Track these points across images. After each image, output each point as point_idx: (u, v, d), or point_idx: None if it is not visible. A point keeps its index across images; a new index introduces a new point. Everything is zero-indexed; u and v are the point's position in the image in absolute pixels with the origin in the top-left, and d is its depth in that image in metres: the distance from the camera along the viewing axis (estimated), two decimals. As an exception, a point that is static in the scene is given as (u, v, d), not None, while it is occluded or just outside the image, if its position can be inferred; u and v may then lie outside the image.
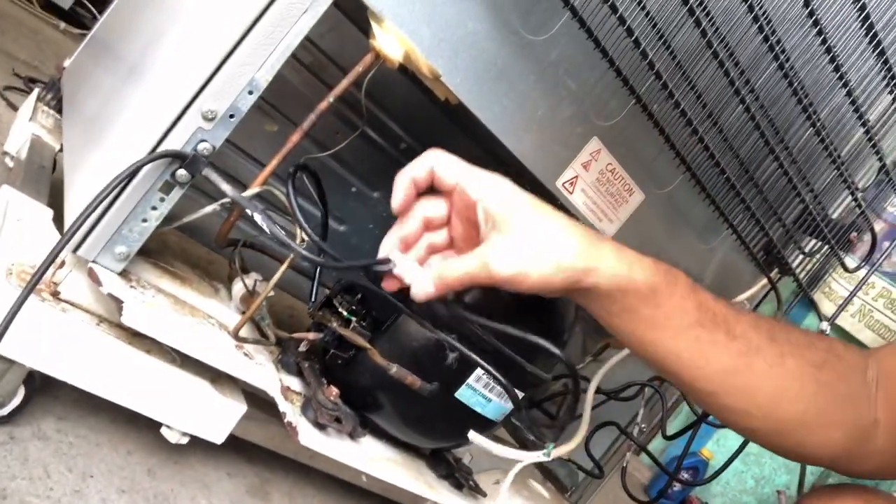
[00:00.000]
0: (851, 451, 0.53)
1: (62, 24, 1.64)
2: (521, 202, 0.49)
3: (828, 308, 1.91)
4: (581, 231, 0.49)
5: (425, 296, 0.49)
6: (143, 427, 0.64)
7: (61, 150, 0.81)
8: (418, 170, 0.50)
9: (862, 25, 0.77)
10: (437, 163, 0.50)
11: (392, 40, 0.57)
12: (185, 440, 0.60)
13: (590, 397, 0.81)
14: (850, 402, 0.52)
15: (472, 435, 0.66)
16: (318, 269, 0.71)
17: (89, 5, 1.67)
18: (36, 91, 0.89)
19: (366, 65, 0.58)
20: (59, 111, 0.89)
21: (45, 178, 0.72)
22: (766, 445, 0.55)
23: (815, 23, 0.74)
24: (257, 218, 0.50)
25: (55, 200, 0.69)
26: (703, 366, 0.50)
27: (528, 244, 0.47)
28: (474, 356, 0.63)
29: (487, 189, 0.49)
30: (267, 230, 0.49)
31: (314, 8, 0.53)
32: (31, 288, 0.43)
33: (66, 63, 0.92)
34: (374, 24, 0.57)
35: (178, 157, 0.52)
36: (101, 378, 0.54)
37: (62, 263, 0.54)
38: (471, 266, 0.48)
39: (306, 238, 0.62)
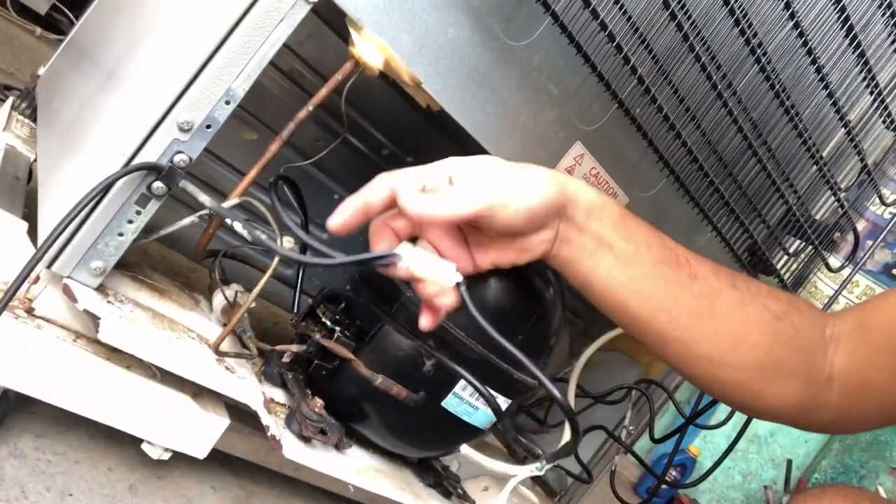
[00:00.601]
0: (805, 405, 0.55)
1: (38, 30, 1.61)
2: (494, 161, 0.51)
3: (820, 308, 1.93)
4: (552, 170, 0.52)
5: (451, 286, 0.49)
6: (124, 443, 0.63)
7: (36, 160, 0.80)
8: (373, 192, 0.50)
9: (842, 27, 0.77)
10: (394, 180, 0.49)
11: (372, 48, 0.56)
12: (167, 456, 0.59)
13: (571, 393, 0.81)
14: (807, 354, 0.54)
15: (465, 449, 0.66)
16: (300, 278, 0.71)
17: (66, 10, 1.65)
18: (10, 100, 0.87)
19: (345, 72, 0.57)
20: (34, 120, 0.88)
21: (19, 189, 0.71)
22: (727, 397, 0.58)
23: (796, 25, 0.74)
24: (237, 227, 0.49)
25: (30, 211, 0.67)
26: (670, 308, 0.52)
27: (504, 177, 0.49)
28: (455, 366, 0.62)
29: (455, 167, 0.50)
30: (248, 237, 0.48)
31: (291, 16, 0.52)
32: (2, 308, 0.42)
33: (41, 71, 0.90)
34: (353, 32, 0.56)
35: (153, 170, 0.51)
36: (80, 395, 0.53)
37: (36, 279, 0.52)
38: (452, 203, 0.47)
39: (291, 243, 0.61)
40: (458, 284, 0.50)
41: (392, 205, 0.49)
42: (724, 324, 0.52)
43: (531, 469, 0.68)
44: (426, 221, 0.49)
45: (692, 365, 0.55)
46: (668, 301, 0.52)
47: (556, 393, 0.50)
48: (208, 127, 0.52)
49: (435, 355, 0.63)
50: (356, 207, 0.49)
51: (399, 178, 0.49)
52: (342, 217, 0.49)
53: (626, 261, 0.52)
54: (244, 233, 0.49)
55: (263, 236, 0.49)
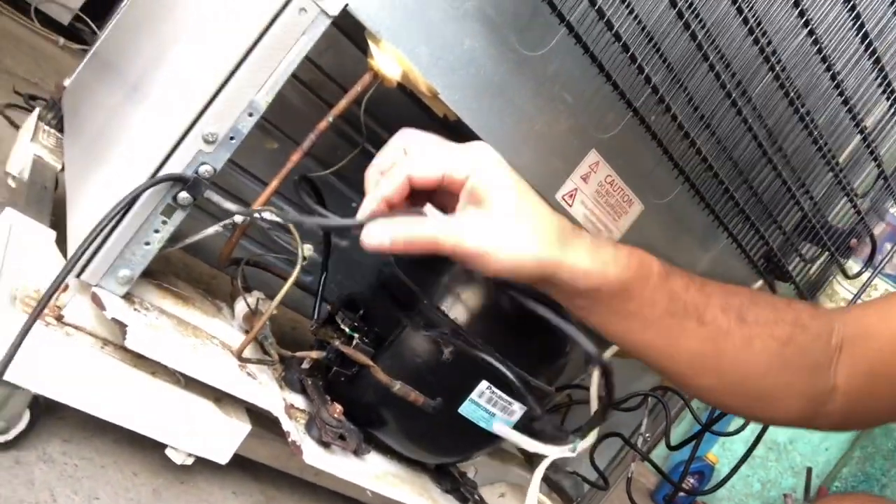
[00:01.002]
0: (809, 415, 0.56)
1: (61, 40, 1.64)
2: (507, 183, 0.47)
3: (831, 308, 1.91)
4: (559, 223, 0.48)
5: (376, 246, 0.45)
6: (148, 448, 0.64)
7: (63, 169, 0.82)
8: (391, 186, 0.47)
9: (857, 33, 0.77)
10: (412, 171, 0.47)
11: (390, 60, 0.57)
12: (190, 461, 0.60)
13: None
14: (812, 372, 0.54)
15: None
16: (321, 285, 0.72)
17: (88, 20, 1.68)
18: (37, 110, 0.89)
19: (364, 84, 0.58)
20: (60, 130, 0.90)
21: (47, 199, 0.73)
22: (735, 414, 0.61)
23: (811, 32, 0.74)
24: (268, 215, 0.51)
25: (58, 219, 0.69)
26: (673, 353, 0.52)
27: (505, 225, 0.45)
28: (479, 352, 0.63)
29: (476, 166, 0.47)
30: (282, 220, 0.50)
31: (312, 29, 0.53)
32: (35, 317, 0.43)
33: (67, 82, 0.92)
34: (371, 44, 0.58)
35: (179, 181, 0.52)
36: (106, 401, 0.54)
37: (66, 287, 0.54)
38: (439, 231, 0.45)
39: (308, 255, 0.62)
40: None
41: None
42: (729, 361, 0.52)
43: (564, 450, 0.68)
44: (409, 245, 0.46)
45: (696, 393, 0.57)
46: (670, 347, 0.51)
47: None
48: (232, 138, 0.53)
49: (454, 343, 0.63)
50: (378, 202, 0.48)
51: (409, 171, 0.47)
52: (365, 212, 0.48)
53: (621, 317, 0.50)
54: (279, 218, 0.50)
55: (300, 215, 0.50)
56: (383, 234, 0.46)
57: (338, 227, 0.55)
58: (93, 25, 1.66)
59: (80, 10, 1.68)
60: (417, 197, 0.49)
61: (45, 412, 0.59)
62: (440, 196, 0.49)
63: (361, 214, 0.48)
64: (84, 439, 0.62)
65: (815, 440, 2.33)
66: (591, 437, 0.75)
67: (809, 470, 2.17)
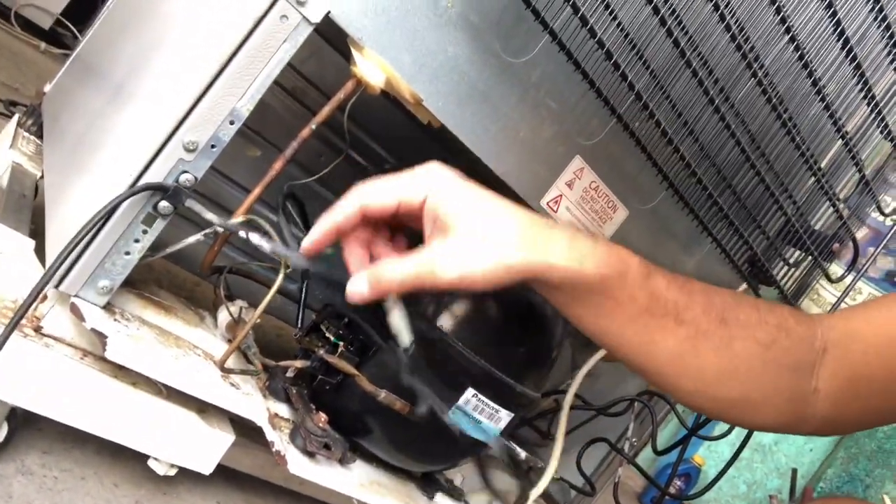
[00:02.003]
0: (792, 420, 0.55)
1: (43, 45, 1.63)
2: (465, 199, 0.46)
3: (815, 312, 1.92)
4: (529, 223, 0.47)
5: (359, 298, 0.46)
6: (129, 459, 0.63)
7: (42, 176, 0.81)
8: (342, 214, 0.47)
9: (838, 39, 0.78)
10: (364, 198, 0.47)
11: (373, 67, 0.57)
12: (173, 471, 0.59)
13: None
14: (794, 375, 0.54)
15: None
16: (303, 293, 0.71)
17: (70, 25, 1.66)
18: (16, 116, 0.88)
19: (347, 91, 0.58)
20: (40, 136, 0.89)
21: (26, 207, 0.72)
22: (714, 418, 0.60)
23: (792, 39, 0.75)
24: (253, 238, 0.50)
25: (37, 228, 0.68)
26: (651, 352, 0.51)
27: (475, 246, 0.45)
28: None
29: (430, 187, 0.46)
30: (267, 247, 0.49)
31: (294, 36, 0.53)
32: (11, 328, 0.43)
33: (47, 88, 0.91)
34: (354, 51, 0.57)
35: (159, 190, 0.51)
36: (87, 413, 0.53)
37: (44, 298, 0.53)
38: (414, 268, 0.45)
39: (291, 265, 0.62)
40: (405, 349, 0.50)
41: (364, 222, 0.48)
42: (709, 362, 0.52)
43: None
44: (386, 289, 0.47)
45: (675, 394, 0.56)
46: (649, 345, 0.51)
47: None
48: (213, 147, 0.53)
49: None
50: (326, 230, 0.48)
51: (368, 198, 0.47)
52: (312, 238, 0.48)
53: (600, 314, 0.50)
54: (262, 242, 0.49)
55: (279, 245, 0.50)
56: (361, 285, 0.46)
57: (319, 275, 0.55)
58: (74, 30, 1.65)
59: (62, 15, 1.66)
60: (396, 234, 0.50)
61: (24, 424, 0.58)
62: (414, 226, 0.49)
63: (307, 241, 0.48)
64: (64, 451, 0.61)
65: (800, 441, 2.35)
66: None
67: (794, 471, 2.19)
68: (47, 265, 0.57)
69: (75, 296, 0.53)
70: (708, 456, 2.20)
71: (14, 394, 0.51)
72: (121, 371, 0.55)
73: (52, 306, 0.53)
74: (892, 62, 0.84)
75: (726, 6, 0.67)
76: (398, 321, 0.49)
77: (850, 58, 0.80)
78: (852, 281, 1.01)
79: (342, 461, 0.67)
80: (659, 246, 0.87)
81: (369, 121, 0.78)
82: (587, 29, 0.60)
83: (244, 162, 0.74)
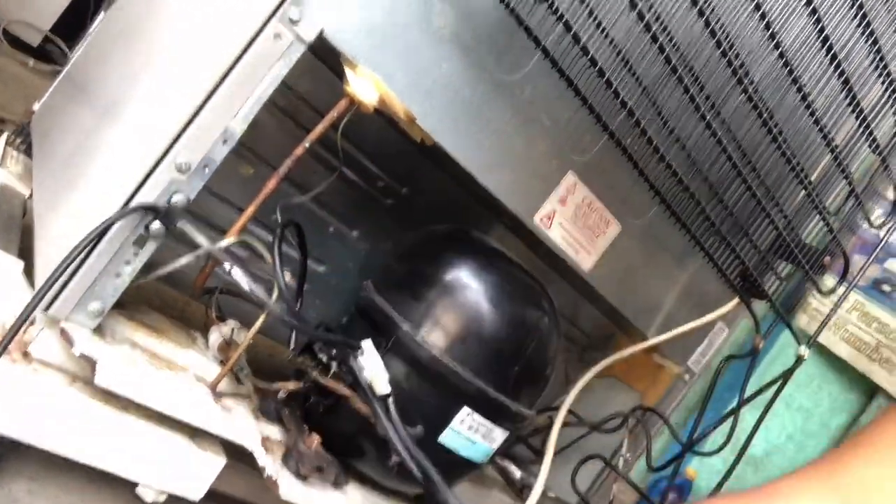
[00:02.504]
0: None
1: (31, 61, 1.62)
2: None
3: (804, 321, 1.93)
4: None
5: None
6: (117, 486, 0.62)
7: (31, 196, 0.80)
8: None
9: (826, 54, 0.79)
10: None
11: (366, 85, 0.57)
12: (162, 498, 0.58)
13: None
14: None
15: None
16: (296, 315, 0.70)
17: (58, 41, 1.65)
18: (5, 135, 0.87)
19: (341, 110, 0.58)
20: (29, 155, 0.88)
21: (14, 227, 0.71)
22: None
23: (781, 54, 0.75)
24: (235, 273, 0.49)
25: (25, 247, 0.67)
26: None
27: None
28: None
29: None
30: (246, 287, 0.48)
31: (288, 55, 0.53)
32: (-1, 355, 0.42)
33: (35, 106, 0.90)
34: (347, 70, 0.57)
35: (151, 211, 0.51)
36: (75, 439, 0.52)
37: (33, 321, 0.52)
38: None
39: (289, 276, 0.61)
40: (382, 396, 0.49)
41: None
42: None
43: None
44: None
45: None
46: None
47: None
48: (206, 167, 0.52)
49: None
50: None
51: None
52: None
53: None
54: (242, 283, 0.49)
55: (258, 290, 0.49)
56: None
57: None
58: (63, 46, 1.64)
59: (51, 31, 1.66)
60: None
61: (10, 450, 0.56)
62: None
63: None
64: (51, 478, 0.60)
65: (791, 453, 2.35)
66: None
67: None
68: (36, 287, 0.56)
69: (65, 319, 0.52)
70: (700, 468, 2.20)
71: (0, 421, 0.49)
72: (111, 396, 0.54)
73: (41, 330, 0.52)
74: (878, 76, 0.85)
75: (717, 22, 0.68)
76: (372, 369, 0.48)
77: (837, 72, 0.81)
78: (843, 293, 1.01)
79: (335, 483, 0.66)
80: (652, 260, 0.87)
81: (362, 138, 0.78)
82: (579, 47, 0.60)
83: (237, 180, 0.73)
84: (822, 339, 2.16)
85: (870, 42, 0.81)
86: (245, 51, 0.51)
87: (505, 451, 0.88)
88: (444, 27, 0.58)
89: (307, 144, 0.58)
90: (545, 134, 0.69)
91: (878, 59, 0.83)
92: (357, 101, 0.58)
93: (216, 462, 0.58)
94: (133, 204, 0.50)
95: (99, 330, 0.55)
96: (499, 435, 0.70)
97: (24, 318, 0.44)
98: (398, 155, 0.81)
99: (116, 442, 0.54)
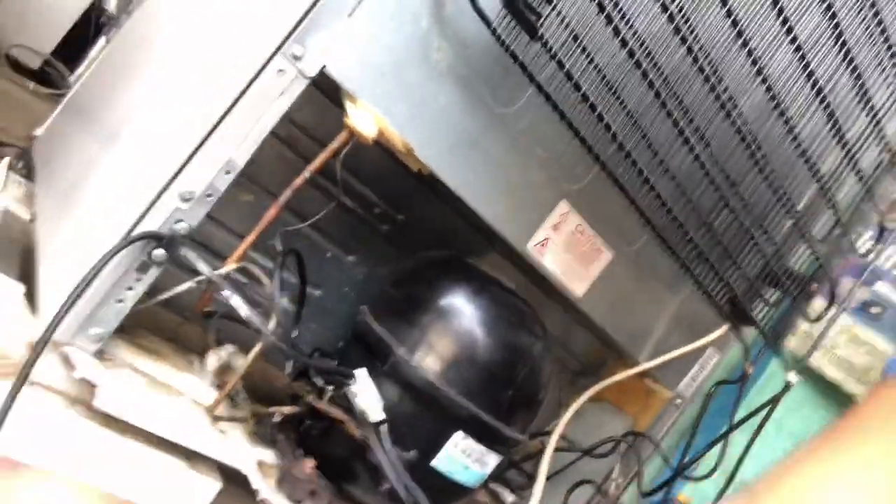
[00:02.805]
0: None
1: (31, 85, 1.63)
2: None
3: (793, 344, 1.95)
4: None
5: None
6: (115, 507, 0.62)
7: (32, 220, 0.81)
8: None
9: (812, 88, 0.81)
10: None
11: (366, 118, 0.59)
12: (158, 520, 0.59)
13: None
14: None
15: None
16: (293, 341, 0.71)
17: (59, 65, 1.67)
18: (6, 160, 0.88)
19: (341, 141, 0.60)
20: (30, 178, 0.89)
21: (15, 252, 0.72)
22: None
23: (768, 87, 0.78)
24: (233, 302, 0.50)
25: (25, 270, 0.68)
26: None
27: None
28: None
29: None
30: (243, 315, 0.49)
31: (291, 90, 0.54)
32: (16, 389, 0.43)
33: (38, 132, 0.92)
34: (347, 103, 0.59)
35: (154, 238, 0.52)
36: (74, 461, 0.53)
37: (39, 348, 0.53)
38: None
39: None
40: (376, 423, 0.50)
41: None
42: None
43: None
44: None
45: None
46: None
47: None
48: (209, 196, 0.54)
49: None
50: None
51: None
52: None
53: None
54: (240, 310, 0.50)
55: (256, 319, 0.50)
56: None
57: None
58: (64, 70, 1.65)
59: (51, 55, 1.67)
60: None
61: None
62: None
63: None
64: (48, 500, 0.60)
65: (784, 476, 2.35)
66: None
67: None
68: (39, 312, 0.57)
69: (67, 343, 0.53)
70: (693, 493, 2.19)
71: (1, 442, 0.50)
72: (110, 419, 0.55)
73: (43, 354, 0.53)
74: (862, 108, 0.88)
75: (705, 57, 0.70)
76: (365, 397, 0.49)
77: (823, 104, 0.84)
78: (832, 317, 1.03)
79: (330, 507, 0.66)
80: (643, 286, 0.88)
81: (360, 166, 0.79)
82: (572, 83, 0.62)
83: (237, 207, 0.74)
84: (812, 362, 2.18)
85: (854, 76, 0.84)
86: (249, 85, 0.53)
87: (497, 475, 0.89)
88: (441, 62, 0.60)
89: (307, 174, 0.60)
90: (539, 164, 0.71)
91: (861, 91, 0.86)
92: (357, 134, 0.59)
93: (212, 485, 0.59)
94: (137, 232, 0.52)
95: (99, 354, 0.55)
96: (492, 460, 0.71)
97: (36, 357, 0.45)
98: (395, 183, 0.83)
99: (114, 464, 0.54)
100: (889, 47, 0.84)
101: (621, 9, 0.61)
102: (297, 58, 0.52)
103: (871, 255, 1.06)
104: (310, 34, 0.52)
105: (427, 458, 0.66)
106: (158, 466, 0.57)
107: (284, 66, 0.52)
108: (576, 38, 0.62)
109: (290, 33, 0.52)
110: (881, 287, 2.03)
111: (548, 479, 0.83)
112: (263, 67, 0.52)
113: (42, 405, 0.52)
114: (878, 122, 0.88)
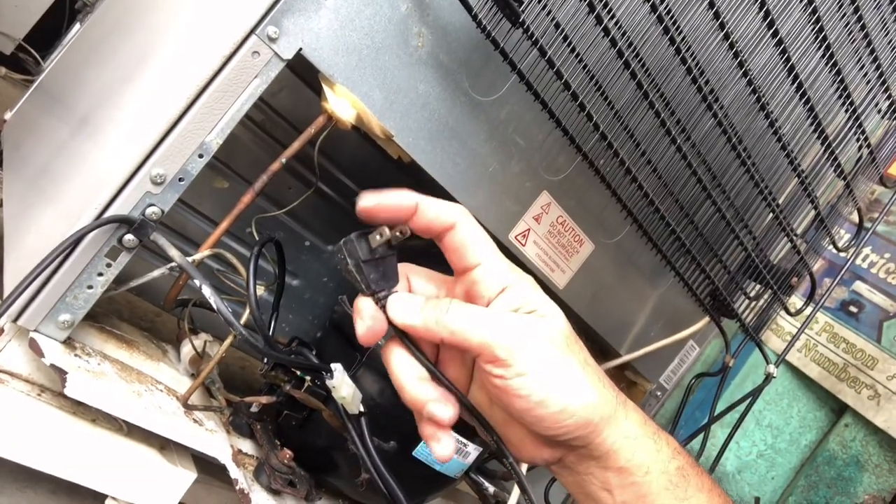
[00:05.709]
0: None
1: (3, 70, 1.60)
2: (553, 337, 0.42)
3: (776, 343, 1.97)
4: (615, 390, 0.43)
5: (405, 324, 0.41)
6: (87, 498, 0.61)
7: (1, 204, 0.79)
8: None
9: (793, 83, 0.81)
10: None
11: (344, 103, 0.58)
12: (130, 511, 0.57)
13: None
14: None
15: None
16: (272, 328, 0.70)
17: (32, 50, 1.64)
18: (-24, 145, 0.86)
19: (318, 126, 0.59)
20: (0, 164, 0.87)
21: (-17, 237, 0.70)
22: None
23: (750, 81, 0.78)
24: (204, 291, 0.49)
25: (-6, 258, 0.66)
26: None
27: (562, 373, 0.40)
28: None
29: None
30: (214, 306, 0.48)
31: (266, 72, 0.53)
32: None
33: (7, 115, 0.89)
34: (325, 87, 0.58)
35: (125, 222, 0.51)
36: (43, 451, 0.52)
37: (1, 331, 0.52)
38: (489, 335, 0.39)
39: (263, 288, 0.61)
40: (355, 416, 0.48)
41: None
42: None
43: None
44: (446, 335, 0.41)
45: None
46: None
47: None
48: (181, 180, 0.53)
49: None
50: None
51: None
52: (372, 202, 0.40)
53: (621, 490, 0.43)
54: (211, 301, 0.49)
55: (227, 310, 0.49)
56: (410, 316, 0.42)
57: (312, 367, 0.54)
58: (37, 55, 1.62)
59: (24, 40, 1.64)
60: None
61: (-25, 463, 0.55)
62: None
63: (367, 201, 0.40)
64: (17, 490, 0.59)
65: (762, 470, 2.38)
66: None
67: (757, 500, 2.21)
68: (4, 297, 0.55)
69: (34, 330, 0.52)
70: None
71: (-34, 432, 0.49)
72: (80, 407, 0.54)
73: (9, 341, 0.52)
74: (842, 105, 0.88)
75: (687, 49, 0.70)
76: (343, 391, 0.48)
77: (803, 100, 0.84)
78: (811, 313, 1.04)
79: (308, 498, 0.65)
80: (624, 279, 0.88)
81: (339, 154, 0.78)
82: (554, 71, 0.62)
83: (212, 194, 0.73)
84: (793, 360, 2.20)
85: (834, 72, 0.85)
86: (223, 66, 0.52)
87: (479, 466, 0.88)
88: (421, 48, 0.59)
89: (284, 160, 0.59)
90: (520, 154, 0.70)
91: (841, 88, 0.86)
92: (334, 118, 0.59)
93: (186, 475, 0.58)
94: (107, 215, 0.50)
95: (69, 342, 0.54)
96: (472, 450, 0.71)
97: (-6, 330, 0.44)
98: (375, 171, 0.82)
99: (85, 454, 0.53)
100: (868, 44, 0.85)
101: (604, -3, 0.61)
102: (272, 39, 0.51)
103: (851, 251, 1.06)
104: (286, 15, 0.51)
105: (407, 447, 0.66)
106: (131, 456, 0.55)
107: (259, 47, 0.51)
108: (558, 25, 0.61)
109: (266, 14, 0.51)
110: (860, 286, 2.05)
111: (529, 469, 0.82)
112: (237, 48, 0.51)
113: (9, 393, 0.50)
114: (857, 119, 0.89)
